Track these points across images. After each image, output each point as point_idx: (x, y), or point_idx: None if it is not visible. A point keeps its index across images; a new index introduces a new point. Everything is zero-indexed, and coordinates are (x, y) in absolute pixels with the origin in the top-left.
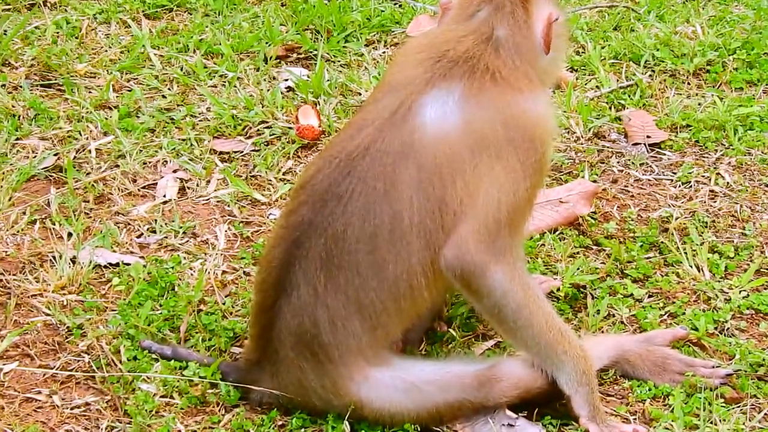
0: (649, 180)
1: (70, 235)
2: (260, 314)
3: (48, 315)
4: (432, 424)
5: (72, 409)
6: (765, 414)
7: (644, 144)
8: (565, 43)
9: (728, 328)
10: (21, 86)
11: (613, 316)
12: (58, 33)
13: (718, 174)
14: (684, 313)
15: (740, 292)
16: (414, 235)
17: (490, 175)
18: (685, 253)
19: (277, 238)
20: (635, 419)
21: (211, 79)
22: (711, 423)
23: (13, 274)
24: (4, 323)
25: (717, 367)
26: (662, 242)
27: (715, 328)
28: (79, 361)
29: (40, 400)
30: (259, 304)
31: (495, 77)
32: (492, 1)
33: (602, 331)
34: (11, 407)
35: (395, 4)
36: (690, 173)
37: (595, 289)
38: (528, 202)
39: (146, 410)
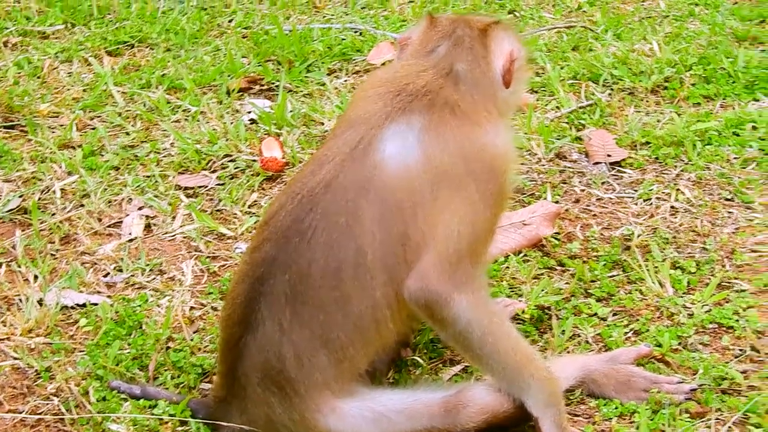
0: (611, 198)
1: (36, 277)
2: (226, 351)
3: (16, 359)
4: None
5: None
6: (729, 427)
7: (605, 163)
8: (526, 77)
9: (692, 343)
10: None
11: (579, 336)
12: (19, 73)
13: (678, 190)
14: (648, 330)
15: (702, 306)
16: (377, 269)
17: (450, 207)
18: (647, 270)
19: (241, 274)
20: None
21: (174, 114)
22: None
23: None
24: None
25: (681, 382)
26: (625, 260)
27: (679, 344)
28: (48, 404)
29: None
30: (225, 341)
31: (454, 110)
32: (451, 37)
33: (568, 352)
34: None
35: (356, 32)
36: (651, 190)
37: (560, 310)
38: (488, 231)
39: None
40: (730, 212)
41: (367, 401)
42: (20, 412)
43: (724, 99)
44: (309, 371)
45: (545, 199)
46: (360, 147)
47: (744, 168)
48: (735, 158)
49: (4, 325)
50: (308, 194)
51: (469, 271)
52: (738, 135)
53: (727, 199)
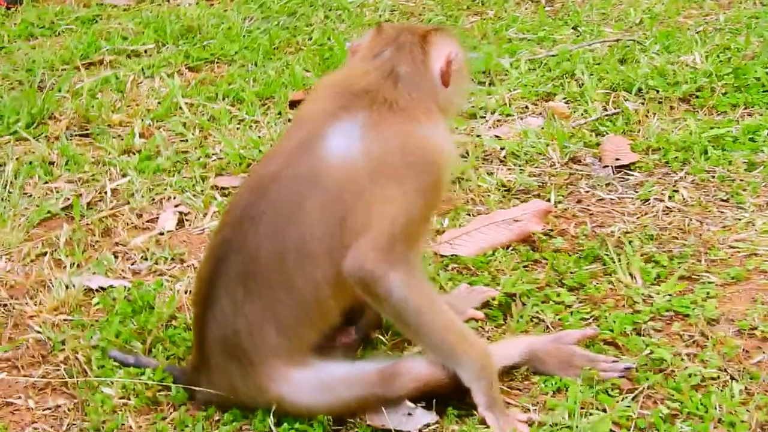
0: (612, 199)
1: (73, 264)
2: (195, 324)
3: (39, 333)
4: (345, 416)
5: (44, 411)
6: (655, 401)
7: (611, 166)
8: (466, 77)
9: (644, 329)
10: (60, 137)
11: (543, 321)
12: (104, 88)
13: (675, 191)
14: (607, 317)
15: (665, 296)
16: (318, 253)
17: (387, 196)
18: (619, 262)
19: (206, 255)
20: (536, 409)
21: (230, 123)
22: (600, 410)
23: (17, 299)
24: None
25: (616, 362)
26: (605, 254)
27: (633, 329)
28: (57, 370)
29: (18, 404)
30: (195, 316)
31: (393, 108)
32: (395, 43)
33: (528, 334)
34: None
35: None
36: (650, 191)
37: (529, 297)
38: (423, 219)
39: (104, 410)
40: (721, 212)
41: (314, 371)
42: (32, 377)
43: (751, 107)
44: (260, 344)
45: (548, 200)
46: (307, 142)
47: (750, 171)
48: (744, 162)
49: (36, 304)
50: (260, 184)
51: (404, 253)
52: (754, 141)
53: (723, 200)
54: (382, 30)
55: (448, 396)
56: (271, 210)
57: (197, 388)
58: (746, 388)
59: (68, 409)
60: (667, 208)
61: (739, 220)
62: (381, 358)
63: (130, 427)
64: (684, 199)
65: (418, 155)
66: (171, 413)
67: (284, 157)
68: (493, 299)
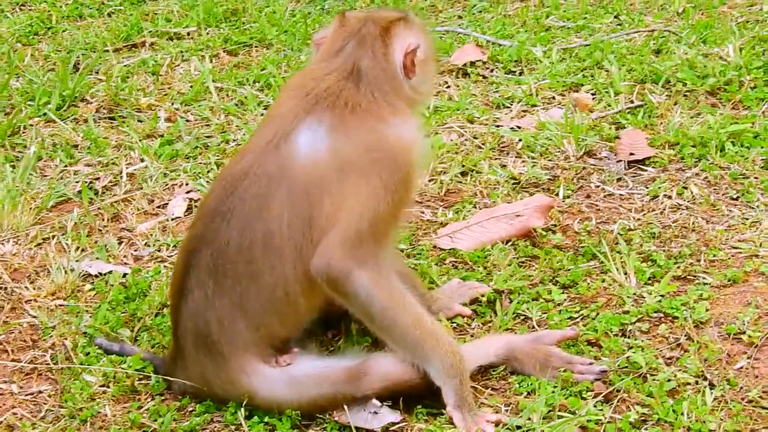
0: (621, 194)
1: (77, 249)
2: (171, 315)
3: (34, 317)
4: (313, 412)
5: (25, 396)
6: (628, 405)
7: (623, 161)
8: (431, 68)
9: (630, 330)
10: (88, 119)
11: (530, 318)
12: (139, 70)
13: (684, 188)
14: (595, 316)
15: (656, 297)
16: (286, 249)
17: (354, 192)
18: (614, 261)
19: (181, 248)
20: (507, 410)
21: (256, 110)
22: (570, 413)
23: (18, 282)
24: None
25: (592, 364)
26: (603, 252)
27: (620, 330)
28: (45, 356)
29: (2, 389)
30: (171, 306)
31: (355, 110)
32: (356, 36)
33: (513, 332)
34: None
35: (442, 35)
36: (660, 188)
37: (519, 294)
38: (391, 216)
39: (83, 397)
40: (729, 210)
41: (290, 365)
42: (20, 361)
43: None
44: (231, 336)
45: (557, 194)
46: (274, 141)
47: (766, 169)
48: (762, 159)
49: (35, 288)
50: (230, 181)
51: (371, 250)
52: None
53: (733, 198)
54: (345, 21)
55: (421, 395)
56: (241, 206)
57: (173, 379)
58: (722, 395)
59: (49, 395)
60: (675, 205)
61: (747, 219)
62: (352, 355)
63: (105, 416)
64: (693, 196)
65: (384, 153)
66: (148, 402)
67: (253, 155)
68: (482, 296)
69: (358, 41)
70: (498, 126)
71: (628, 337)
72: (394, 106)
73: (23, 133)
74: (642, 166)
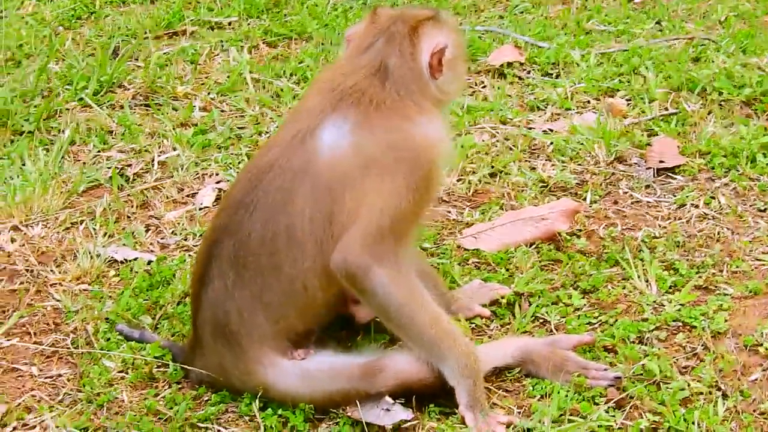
0: (648, 202)
1: (105, 234)
2: (192, 304)
3: (58, 301)
4: (327, 406)
5: (45, 379)
6: (640, 413)
7: (652, 168)
8: (460, 68)
9: (648, 338)
10: (124, 106)
11: (549, 322)
12: (178, 59)
13: (712, 197)
14: (614, 323)
15: (675, 305)
16: (307, 243)
17: (376, 189)
18: (636, 268)
19: (204, 237)
20: (519, 412)
21: (291, 102)
22: (581, 418)
23: (45, 265)
24: (18, 306)
25: (606, 370)
26: (626, 258)
27: (637, 337)
28: (66, 339)
29: (22, 371)
30: (191, 295)
31: (380, 107)
32: (385, 34)
33: (531, 335)
34: None
35: (482, 35)
36: (687, 196)
37: (539, 297)
38: (412, 214)
39: (101, 382)
40: (756, 222)
41: (304, 359)
42: (42, 344)
43: None
44: (249, 327)
45: (584, 199)
46: (300, 135)
47: None
48: None
49: (60, 272)
50: (255, 173)
51: (391, 247)
52: None
53: (760, 210)
54: (376, 17)
55: (434, 394)
56: (264, 198)
57: (190, 368)
58: (734, 406)
59: (68, 379)
60: (702, 214)
61: None
62: (368, 352)
63: (122, 401)
64: (720, 206)
65: (407, 151)
66: (165, 390)
67: (279, 149)
68: (503, 297)
69: (387, 39)
70: (530, 128)
71: (645, 345)
72: (419, 105)
73: (59, 117)
74: (671, 174)
